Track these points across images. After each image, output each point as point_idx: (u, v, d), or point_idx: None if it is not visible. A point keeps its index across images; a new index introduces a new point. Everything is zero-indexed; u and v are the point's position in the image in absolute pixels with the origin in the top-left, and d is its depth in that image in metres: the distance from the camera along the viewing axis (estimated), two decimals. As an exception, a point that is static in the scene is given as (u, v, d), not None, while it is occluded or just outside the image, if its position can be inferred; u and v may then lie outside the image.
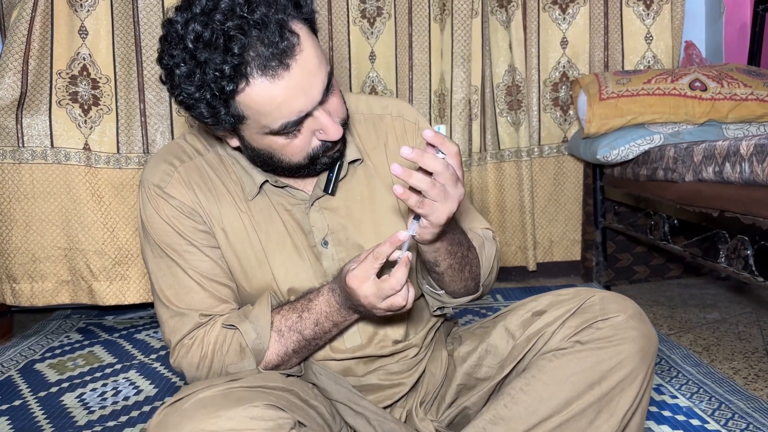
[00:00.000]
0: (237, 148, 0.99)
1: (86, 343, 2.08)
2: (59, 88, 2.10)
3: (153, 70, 2.20)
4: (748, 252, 1.40)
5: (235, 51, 0.79)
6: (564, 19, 2.50)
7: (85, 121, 2.12)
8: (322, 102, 0.88)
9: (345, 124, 0.95)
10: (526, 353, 1.01)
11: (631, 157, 2.00)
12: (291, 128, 0.87)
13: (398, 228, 1.02)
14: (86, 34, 2.13)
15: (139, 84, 2.20)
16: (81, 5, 2.11)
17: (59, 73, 2.10)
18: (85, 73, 2.13)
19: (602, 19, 2.51)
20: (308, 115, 0.87)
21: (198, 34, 0.80)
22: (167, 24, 0.84)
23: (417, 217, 0.82)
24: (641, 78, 2.08)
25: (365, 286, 0.85)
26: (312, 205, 1.02)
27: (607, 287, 2.41)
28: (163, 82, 0.87)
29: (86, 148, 2.12)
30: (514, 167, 2.52)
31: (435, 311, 1.06)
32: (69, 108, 2.10)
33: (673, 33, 2.50)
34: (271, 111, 0.85)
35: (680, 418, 1.35)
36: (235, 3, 0.80)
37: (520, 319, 1.06)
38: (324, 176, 1.01)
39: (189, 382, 0.98)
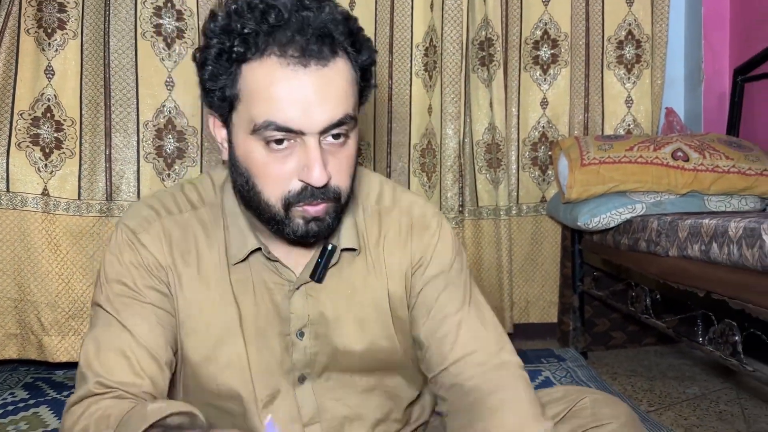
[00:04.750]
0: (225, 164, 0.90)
1: (32, 402, 1.93)
2: (20, 130, 1.98)
3: (121, 114, 2.11)
4: (737, 338, 1.34)
5: (270, 21, 0.76)
6: (545, 79, 2.48)
7: (46, 165, 2.01)
8: (323, 135, 0.79)
9: (339, 195, 0.84)
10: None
11: (612, 225, 1.95)
12: (272, 133, 0.77)
13: (383, 331, 0.94)
14: (53, 75, 2.03)
15: (106, 128, 2.10)
16: (49, 44, 2.02)
17: (21, 114, 1.99)
18: (48, 114, 2.02)
19: (583, 81, 2.50)
20: (298, 134, 0.78)
21: (249, 2, 0.78)
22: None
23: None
24: (623, 144, 2.05)
25: None
26: (298, 288, 0.92)
27: (584, 353, 2.34)
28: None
29: (45, 193, 2.00)
30: (492, 225, 2.47)
31: None
32: (29, 151, 1.99)
33: (653, 98, 2.50)
34: (265, 96, 0.77)
35: None
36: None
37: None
38: (314, 260, 0.91)
39: None
